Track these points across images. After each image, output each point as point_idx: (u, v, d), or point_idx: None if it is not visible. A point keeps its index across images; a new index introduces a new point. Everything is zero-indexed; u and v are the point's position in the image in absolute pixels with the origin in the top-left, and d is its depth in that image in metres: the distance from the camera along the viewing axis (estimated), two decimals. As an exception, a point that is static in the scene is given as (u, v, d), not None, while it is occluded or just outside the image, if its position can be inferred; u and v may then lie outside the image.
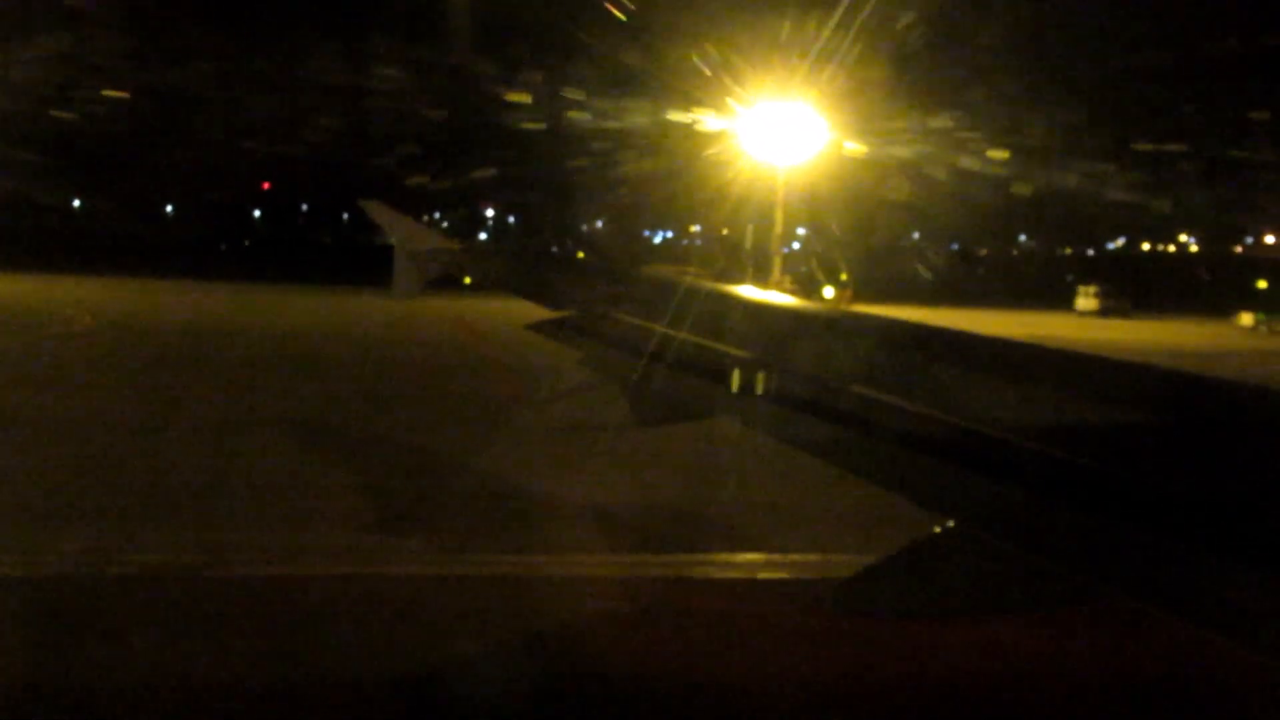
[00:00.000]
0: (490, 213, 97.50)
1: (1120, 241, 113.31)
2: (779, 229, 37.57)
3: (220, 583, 7.70)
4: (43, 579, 7.61)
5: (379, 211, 9.07)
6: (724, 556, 8.77)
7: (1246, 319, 53.85)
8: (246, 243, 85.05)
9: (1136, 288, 65.85)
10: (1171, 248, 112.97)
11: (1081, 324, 52.43)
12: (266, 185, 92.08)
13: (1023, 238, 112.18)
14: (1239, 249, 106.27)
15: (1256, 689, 4.80)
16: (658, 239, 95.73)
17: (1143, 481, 2.13)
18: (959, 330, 3.20)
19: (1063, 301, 63.55)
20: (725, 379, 3.56)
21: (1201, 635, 2.03)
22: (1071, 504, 2.22)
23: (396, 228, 8.64)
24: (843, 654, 6.13)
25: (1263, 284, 72.18)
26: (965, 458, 2.51)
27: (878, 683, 5.93)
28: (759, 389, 3.43)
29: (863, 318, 4.17)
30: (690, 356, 3.82)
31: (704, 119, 34.63)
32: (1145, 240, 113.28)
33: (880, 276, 62.10)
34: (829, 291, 56.67)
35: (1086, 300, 63.69)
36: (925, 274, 57.65)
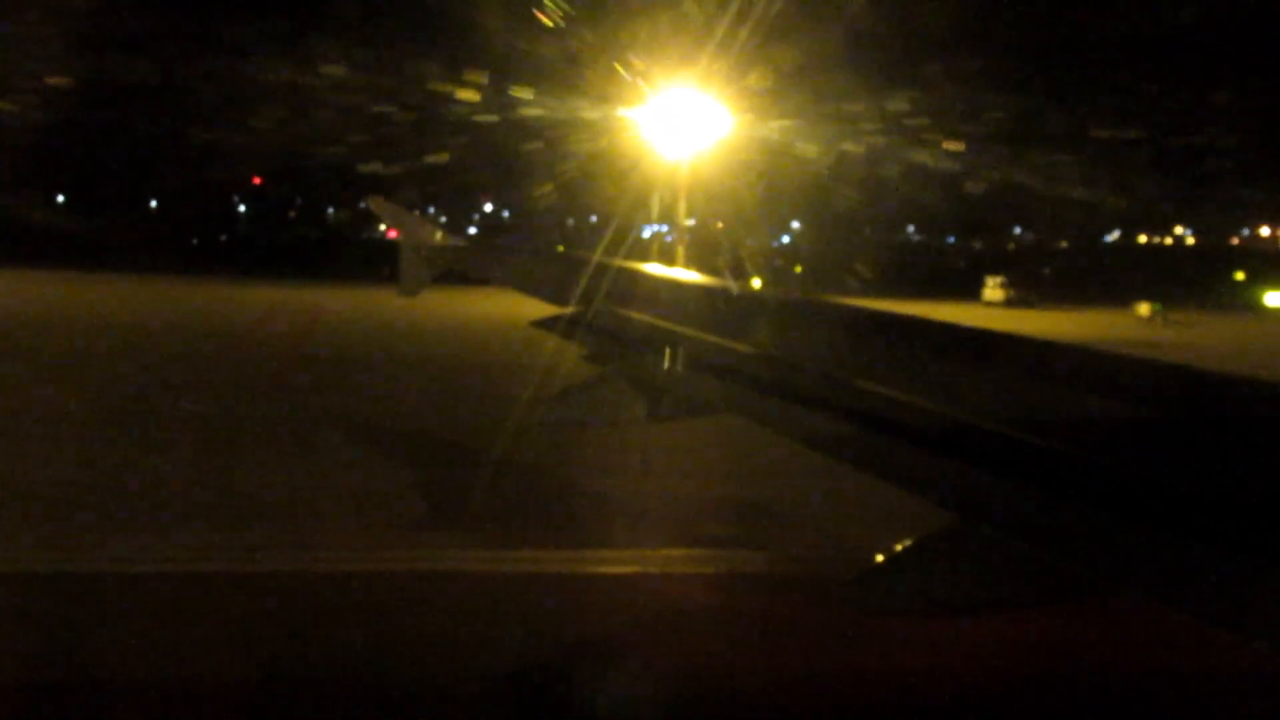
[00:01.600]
0: (489, 207, 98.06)
1: (1116, 234, 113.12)
2: (682, 219, 37.95)
3: (261, 578, 7.86)
4: (58, 575, 7.78)
5: (383, 207, 9.21)
6: (732, 553, 8.88)
7: (1144, 309, 55.25)
8: (223, 238, 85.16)
9: (1105, 281, 66.33)
10: (1169, 240, 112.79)
11: (982, 314, 53.14)
12: (258, 180, 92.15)
13: (1018, 230, 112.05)
14: (1235, 240, 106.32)
15: (1266, 683, 4.78)
16: (647, 233, 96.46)
17: (1150, 477, 2.14)
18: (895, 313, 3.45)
19: (975, 293, 65.02)
20: (729, 375, 3.61)
21: (1210, 630, 2.07)
22: (1079, 499, 2.26)
23: (401, 224, 8.71)
24: (853, 649, 6.22)
25: (1240, 275, 72.78)
26: (973, 453, 2.53)
27: (888, 678, 6.03)
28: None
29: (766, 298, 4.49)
30: (692, 352, 3.88)
31: (613, 109, 35.08)
32: (1142, 233, 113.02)
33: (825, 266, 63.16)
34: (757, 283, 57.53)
35: (993, 291, 65.23)
36: (859, 278, 58.38)
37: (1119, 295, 58.50)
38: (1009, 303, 62.87)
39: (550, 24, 29.26)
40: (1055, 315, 53.57)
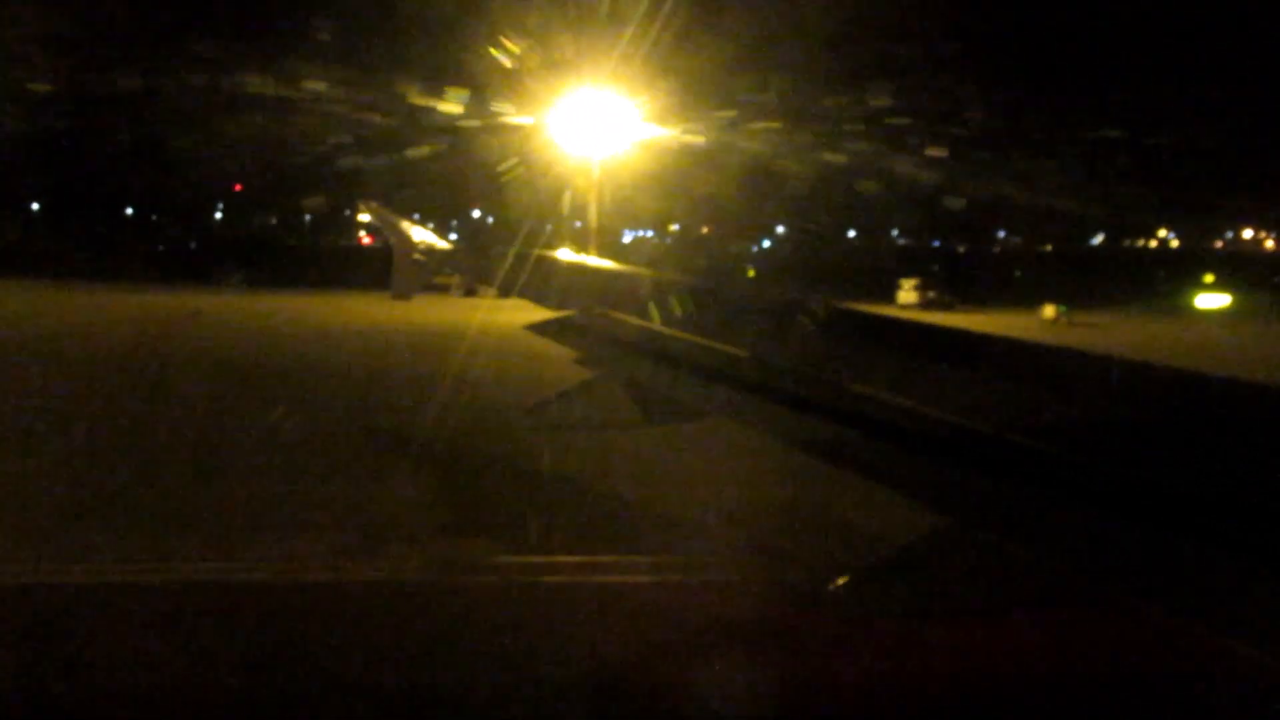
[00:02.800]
0: (476, 213, 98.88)
1: (1100, 238, 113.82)
2: (594, 222, 38.31)
3: (299, 589, 7.98)
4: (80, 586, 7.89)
5: (376, 212, 9.29)
6: (724, 557, 9.00)
7: (1049, 311, 56.13)
8: (192, 245, 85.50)
9: (1057, 283, 66.73)
10: (1153, 243, 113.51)
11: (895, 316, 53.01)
12: (238, 187, 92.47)
13: (1001, 234, 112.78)
14: (1219, 244, 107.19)
15: (1258, 686, 4.61)
16: (628, 238, 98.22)
17: (1145, 479, 2.15)
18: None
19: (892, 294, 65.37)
20: (719, 378, 3.65)
21: (1203, 631, 2.11)
22: (1074, 502, 2.26)
23: (394, 228, 8.75)
24: (843, 653, 6.27)
25: (1210, 278, 73.73)
26: (963, 455, 2.52)
27: (878, 681, 6.09)
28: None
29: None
30: (678, 353, 4.00)
31: (516, 112, 35.39)
32: (1126, 237, 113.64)
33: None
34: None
35: (907, 293, 65.76)
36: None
37: (1060, 297, 58.48)
38: (923, 304, 63.28)
39: (510, 65, 29.91)
40: (963, 316, 53.90)
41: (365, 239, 78.09)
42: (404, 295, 8.80)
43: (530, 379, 15.46)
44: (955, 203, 66.36)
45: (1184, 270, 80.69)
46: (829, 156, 50.53)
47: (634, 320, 4.54)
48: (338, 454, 13.41)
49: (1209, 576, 2.00)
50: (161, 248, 79.44)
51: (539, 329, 5.37)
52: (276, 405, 17.27)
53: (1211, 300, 67.97)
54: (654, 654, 6.88)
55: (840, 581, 2.91)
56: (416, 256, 8.27)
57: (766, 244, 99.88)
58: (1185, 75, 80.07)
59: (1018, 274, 77.03)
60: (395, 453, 13.72)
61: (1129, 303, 61.07)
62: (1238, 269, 77.00)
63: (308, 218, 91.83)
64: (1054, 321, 54.50)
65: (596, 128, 34.78)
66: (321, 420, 16.17)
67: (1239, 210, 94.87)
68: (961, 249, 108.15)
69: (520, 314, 6.20)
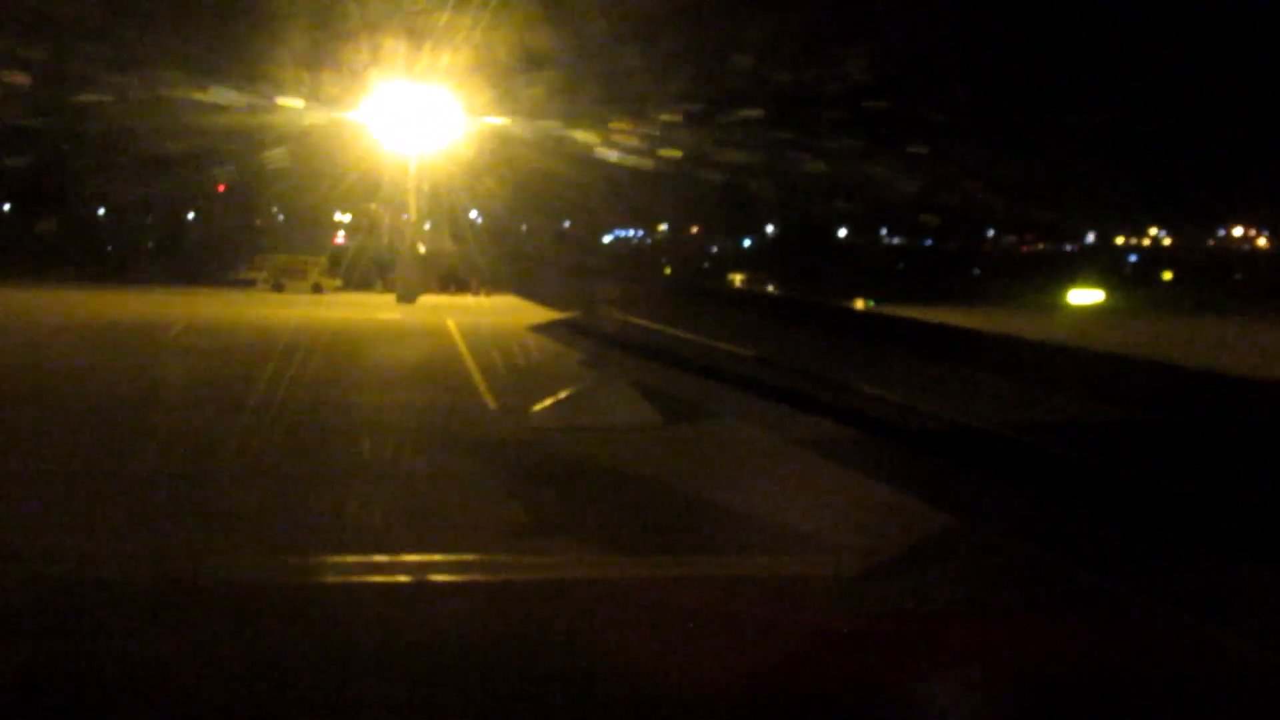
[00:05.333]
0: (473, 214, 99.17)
1: (1091, 236, 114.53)
2: (413, 218, 37.69)
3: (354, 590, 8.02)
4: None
5: (377, 215, 9.61)
6: (725, 555, 9.11)
7: (859, 305, 56.53)
8: (149, 244, 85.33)
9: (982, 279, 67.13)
10: (1146, 241, 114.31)
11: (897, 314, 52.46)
12: (221, 188, 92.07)
13: (990, 232, 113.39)
14: (1211, 242, 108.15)
15: (1261, 685, 4.59)
16: (608, 239, 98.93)
17: (1148, 478, 2.19)
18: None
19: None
20: (724, 378, 3.64)
21: (1207, 630, 2.14)
22: (1077, 501, 2.29)
23: (396, 230, 8.95)
24: (846, 652, 6.35)
25: (1168, 275, 75.18)
26: (967, 454, 2.55)
27: (881, 680, 6.14)
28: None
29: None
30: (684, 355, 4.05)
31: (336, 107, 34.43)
32: (1119, 234, 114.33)
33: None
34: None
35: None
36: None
37: (877, 293, 57.10)
38: None
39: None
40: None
41: (340, 239, 78.10)
42: (410, 298, 8.71)
43: (544, 379, 15.08)
44: (931, 219, 66.75)
45: (1160, 266, 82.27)
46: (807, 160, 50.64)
47: (628, 318, 4.65)
48: (384, 455, 13.49)
49: (1210, 575, 2.03)
50: (111, 248, 78.94)
51: (544, 330, 5.46)
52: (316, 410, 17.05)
53: (1084, 296, 67.88)
54: (650, 651, 6.83)
55: (841, 579, 2.81)
56: (420, 260, 8.32)
57: (747, 243, 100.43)
58: (1180, 71, 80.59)
59: (976, 272, 78.94)
60: (453, 454, 13.65)
61: (1018, 298, 60.45)
62: (1213, 265, 78.87)
63: (280, 217, 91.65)
64: None
65: (420, 125, 33.45)
66: (344, 425, 15.98)
67: (1231, 207, 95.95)
68: (953, 247, 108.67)
69: (524, 315, 6.27)
